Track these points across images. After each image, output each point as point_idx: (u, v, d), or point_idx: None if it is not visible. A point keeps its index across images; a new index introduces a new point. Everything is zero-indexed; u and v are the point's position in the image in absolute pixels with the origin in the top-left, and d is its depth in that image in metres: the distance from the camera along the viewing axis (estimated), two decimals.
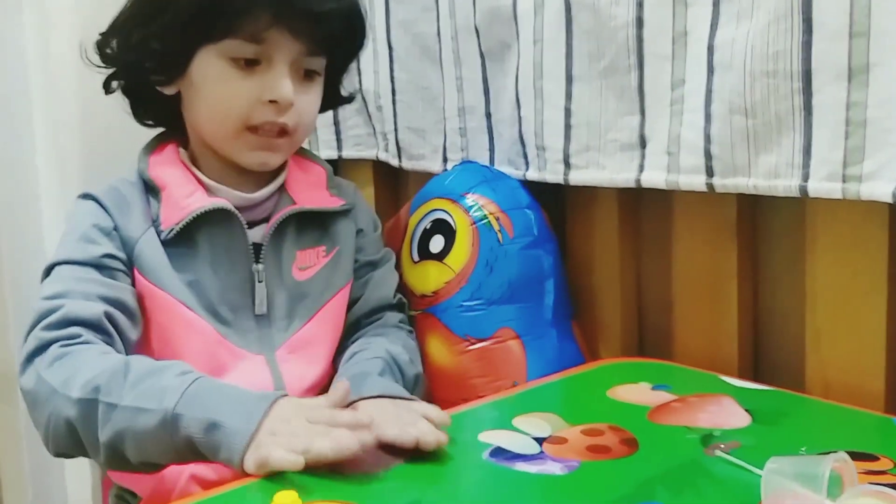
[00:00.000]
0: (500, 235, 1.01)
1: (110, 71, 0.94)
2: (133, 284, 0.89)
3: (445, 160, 1.16)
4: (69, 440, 0.79)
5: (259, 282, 0.92)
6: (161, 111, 0.96)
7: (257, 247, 0.92)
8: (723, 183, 0.89)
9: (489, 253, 1.00)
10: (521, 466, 0.73)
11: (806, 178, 0.82)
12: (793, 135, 0.82)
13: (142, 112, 0.97)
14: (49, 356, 0.80)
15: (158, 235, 0.89)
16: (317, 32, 0.89)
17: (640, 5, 0.91)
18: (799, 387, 0.91)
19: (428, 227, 1.05)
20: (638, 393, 0.90)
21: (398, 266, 1.06)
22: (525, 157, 1.06)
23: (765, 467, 0.62)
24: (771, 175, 0.85)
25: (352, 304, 1.00)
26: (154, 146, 0.95)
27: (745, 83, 0.84)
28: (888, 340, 0.85)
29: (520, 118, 1.05)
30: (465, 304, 1.00)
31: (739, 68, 0.84)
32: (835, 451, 0.61)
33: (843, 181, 0.80)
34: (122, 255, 0.89)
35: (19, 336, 0.85)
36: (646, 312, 1.08)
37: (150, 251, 0.89)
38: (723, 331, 0.97)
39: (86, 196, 0.92)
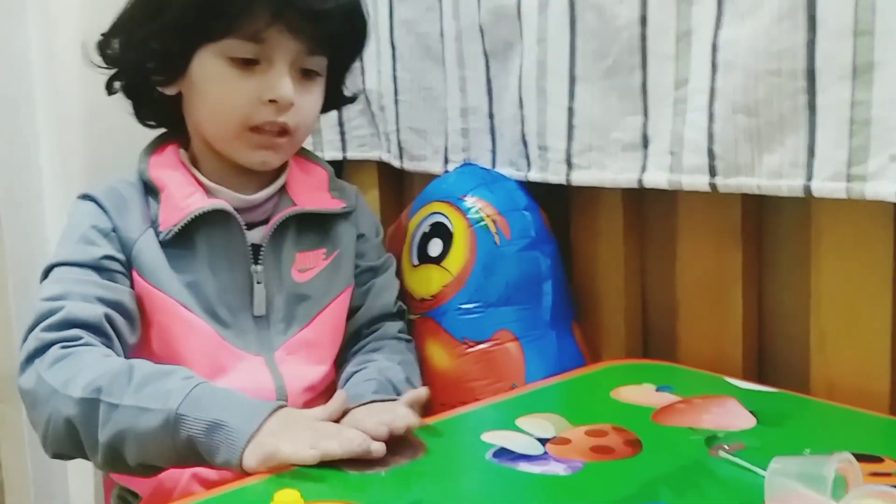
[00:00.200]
0: (497, 237, 1.01)
1: (113, 71, 0.94)
2: (132, 286, 0.89)
3: (447, 161, 1.16)
4: (68, 441, 0.79)
5: (258, 283, 0.92)
6: (162, 112, 0.96)
7: (257, 248, 0.92)
8: (726, 183, 0.88)
9: (486, 255, 1.00)
10: (524, 467, 0.72)
11: (810, 177, 0.82)
12: (797, 134, 0.82)
13: (144, 113, 0.97)
14: (50, 357, 0.80)
15: (157, 236, 0.89)
16: (317, 31, 0.89)
17: (644, 4, 0.91)
18: (804, 388, 0.91)
19: (427, 230, 1.05)
20: (642, 394, 0.89)
21: (399, 270, 1.06)
22: (527, 157, 1.06)
23: (768, 468, 0.61)
24: (775, 175, 0.84)
25: (353, 312, 0.99)
26: (155, 147, 0.95)
27: (749, 82, 0.83)
28: (893, 342, 0.84)
29: (522, 118, 1.05)
30: (462, 307, 1.00)
31: (743, 67, 0.84)
32: (839, 452, 0.61)
33: (848, 181, 0.79)
34: (121, 256, 0.88)
35: (23, 331, 0.85)
36: (650, 314, 1.08)
37: (149, 252, 0.88)
38: (727, 332, 0.97)
39: (85, 197, 0.92)
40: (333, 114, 1.28)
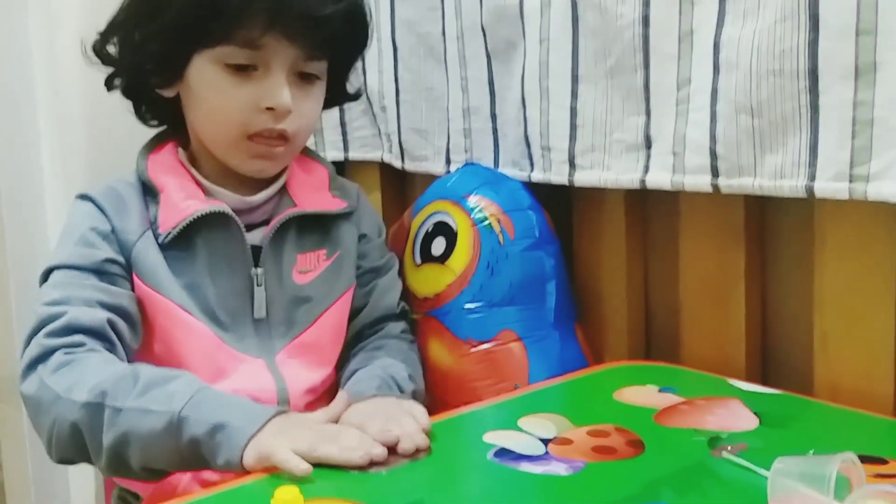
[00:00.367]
0: (500, 237, 1.01)
1: (111, 69, 0.94)
2: (132, 289, 0.88)
3: (448, 161, 1.16)
4: (73, 446, 0.79)
5: (258, 286, 0.91)
6: (162, 111, 0.95)
7: (257, 250, 0.91)
8: (728, 183, 0.88)
9: (490, 255, 1.00)
10: (525, 467, 0.72)
11: (812, 178, 0.81)
12: (799, 134, 0.82)
13: (144, 112, 0.96)
14: (53, 363, 0.80)
15: (156, 239, 0.88)
16: (315, 37, 0.87)
17: (646, 4, 0.91)
18: (807, 390, 0.90)
19: (430, 229, 1.05)
20: (645, 395, 0.89)
21: (401, 269, 1.06)
22: (530, 158, 1.06)
23: (771, 468, 0.61)
24: (777, 175, 0.84)
25: (356, 313, 0.99)
26: (153, 145, 0.94)
27: (752, 82, 0.83)
28: None
29: (525, 118, 1.05)
30: (466, 306, 1.00)
31: (745, 67, 0.83)
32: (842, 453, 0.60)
33: (850, 181, 0.79)
34: (120, 258, 0.88)
35: (24, 336, 0.84)
36: (653, 315, 1.08)
37: (148, 254, 0.88)
38: (730, 333, 0.97)
39: (83, 197, 0.91)
40: (335, 114, 1.28)
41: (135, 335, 0.87)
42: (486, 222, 1.01)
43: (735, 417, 0.81)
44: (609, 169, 0.98)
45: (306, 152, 1.01)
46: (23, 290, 1.21)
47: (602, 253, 1.07)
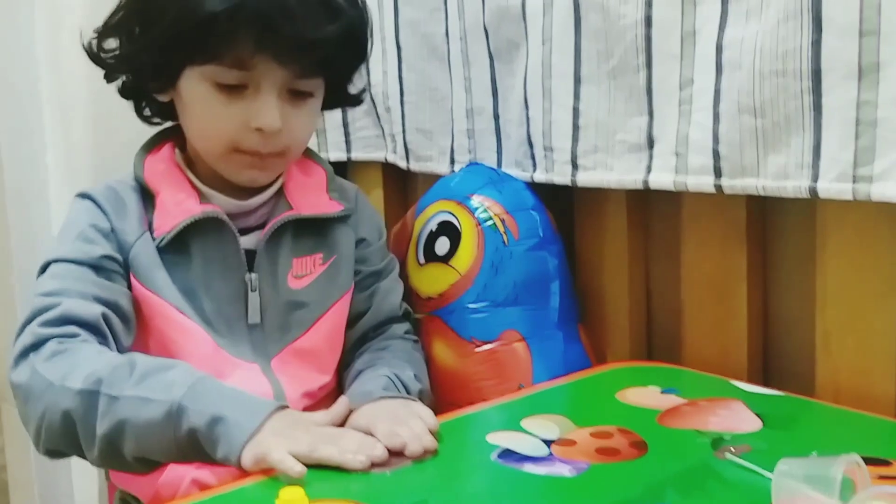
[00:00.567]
0: (505, 237, 1.01)
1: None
2: (129, 288, 0.88)
3: (453, 162, 1.16)
4: (63, 436, 0.78)
5: (252, 291, 0.90)
6: (162, 111, 0.95)
7: (251, 254, 0.91)
8: (731, 184, 0.88)
9: (494, 254, 1.00)
10: (529, 468, 0.72)
11: (815, 178, 0.81)
12: (802, 135, 0.82)
13: (144, 111, 0.96)
14: (46, 351, 0.80)
15: (153, 241, 0.88)
16: (306, 60, 0.85)
17: (648, 4, 0.91)
18: (809, 391, 0.90)
19: (434, 229, 1.05)
20: (647, 396, 0.89)
21: (403, 269, 1.06)
22: (532, 158, 1.06)
23: (775, 469, 0.61)
24: (780, 176, 0.84)
25: (358, 317, 0.98)
26: (151, 146, 0.94)
27: (754, 83, 0.83)
28: None
29: (528, 119, 1.05)
30: (470, 306, 1.00)
31: (748, 68, 0.83)
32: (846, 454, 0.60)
33: (854, 182, 0.79)
34: (118, 257, 0.88)
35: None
36: (655, 315, 1.08)
37: (146, 256, 0.88)
38: (732, 334, 0.97)
39: (83, 196, 0.91)
40: (338, 115, 1.28)
41: (128, 332, 0.87)
42: (491, 222, 1.01)
43: (738, 419, 0.81)
44: (611, 169, 0.98)
45: (305, 153, 0.99)
46: (27, 286, 1.20)
47: (604, 253, 1.07)
